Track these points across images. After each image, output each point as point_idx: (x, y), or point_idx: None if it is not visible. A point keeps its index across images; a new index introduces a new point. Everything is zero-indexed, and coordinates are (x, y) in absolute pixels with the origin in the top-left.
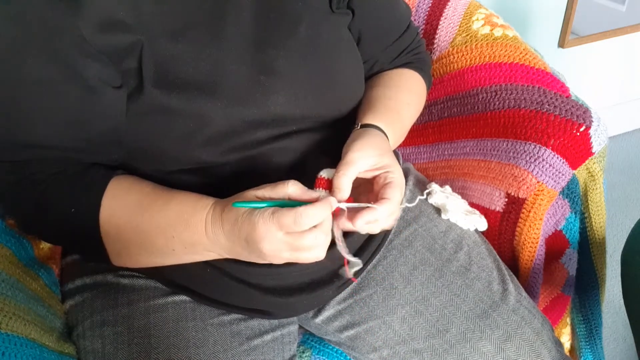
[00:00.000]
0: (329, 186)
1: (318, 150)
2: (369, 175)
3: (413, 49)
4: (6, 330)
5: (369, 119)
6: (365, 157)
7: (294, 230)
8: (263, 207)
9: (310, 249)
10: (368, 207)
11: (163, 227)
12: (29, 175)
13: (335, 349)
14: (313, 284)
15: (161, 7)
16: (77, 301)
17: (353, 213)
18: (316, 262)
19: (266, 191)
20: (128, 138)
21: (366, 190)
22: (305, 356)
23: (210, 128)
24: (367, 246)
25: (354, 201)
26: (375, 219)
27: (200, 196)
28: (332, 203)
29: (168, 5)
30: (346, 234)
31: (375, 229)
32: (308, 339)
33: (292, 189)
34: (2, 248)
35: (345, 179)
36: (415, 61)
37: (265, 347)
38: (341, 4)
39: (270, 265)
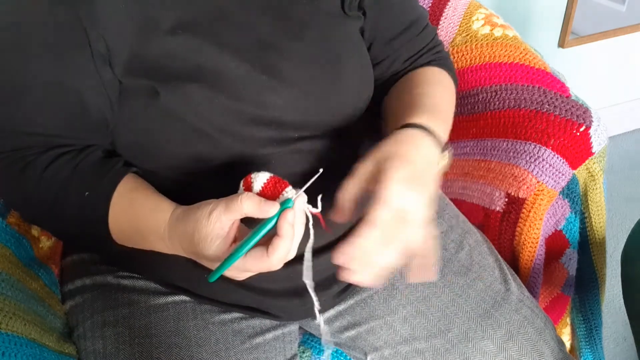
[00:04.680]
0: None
1: (320, 161)
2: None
3: (433, 47)
4: (6, 330)
5: (411, 119)
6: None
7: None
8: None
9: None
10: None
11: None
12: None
13: (335, 349)
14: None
15: (161, 2)
16: (77, 302)
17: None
18: (314, 267)
19: (221, 211)
20: (125, 132)
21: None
22: (306, 356)
23: (207, 123)
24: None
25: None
26: (348, 255)
27: (157, 204)
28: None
29: (166, 1)
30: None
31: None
32: (308, 339)
33: (247, 205)
34: (2, 248)
35: (349, 193)
36: (437, 59)
37: (267, 346)
38: (353, 4)
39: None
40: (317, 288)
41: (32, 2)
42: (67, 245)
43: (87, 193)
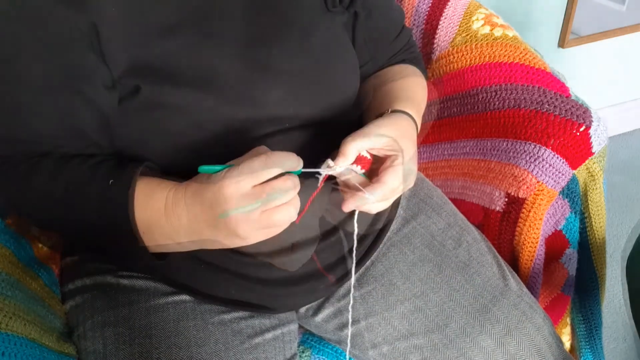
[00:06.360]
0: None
1: (310, 148)
2: (381, 153)
3: (409, 47)
4: (6, 330)
5: (399, 107)
6: (381, 135)
7: (263, 177)
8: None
9: (282, 200)
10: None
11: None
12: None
13: (335, 348)
14: (310, 275)
15: (152, 4)
16: (77, 302)
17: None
18: (313, 255)
19: (236, 174)
20: (122, 136)
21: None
22: (305, 356)
23: (205, 126)
24: (364, 242)
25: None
26: (364, 204)
27: (162, 180)
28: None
29: (159, 2)
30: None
31: (366, 210)
32: (308, 338)
33: (258, 162)
34: (2, 248)
35: (352, 146)
36: (411, 58)
37: (267, 346)
38: (337, 3)
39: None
40: (317, 275)
41: (28, 2)
42: (67, 245)
43: (111, 181)
